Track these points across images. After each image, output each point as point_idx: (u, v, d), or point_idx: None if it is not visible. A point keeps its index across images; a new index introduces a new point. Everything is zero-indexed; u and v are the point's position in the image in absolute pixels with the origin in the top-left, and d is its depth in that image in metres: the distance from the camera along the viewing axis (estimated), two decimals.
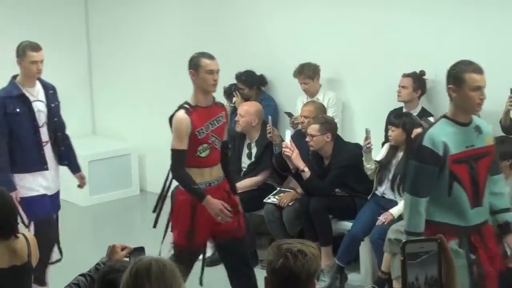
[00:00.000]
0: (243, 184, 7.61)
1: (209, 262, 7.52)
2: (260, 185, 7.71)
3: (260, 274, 3.47)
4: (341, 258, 6.85)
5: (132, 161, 10.33)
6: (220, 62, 9.00)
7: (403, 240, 1.49)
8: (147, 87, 10.15)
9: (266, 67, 8.70)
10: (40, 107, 6.49)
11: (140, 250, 3.91)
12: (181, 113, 5.62)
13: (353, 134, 7.76)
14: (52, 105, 6.59)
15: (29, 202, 6.44)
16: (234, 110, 8.18)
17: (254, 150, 7.76)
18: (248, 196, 7.50)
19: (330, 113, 7.64)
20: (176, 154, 5.63)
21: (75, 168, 7.02)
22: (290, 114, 7.99)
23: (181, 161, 5.62)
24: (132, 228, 9.29)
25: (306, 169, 6.91)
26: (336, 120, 7.34)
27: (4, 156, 6.35)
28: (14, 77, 6.50)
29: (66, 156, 6.84)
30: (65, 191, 9.40)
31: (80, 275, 4.03)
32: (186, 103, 5.70)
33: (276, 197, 7.48)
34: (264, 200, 7.48)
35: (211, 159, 5.73)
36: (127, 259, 3.85)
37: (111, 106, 10.79)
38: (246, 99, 8.36)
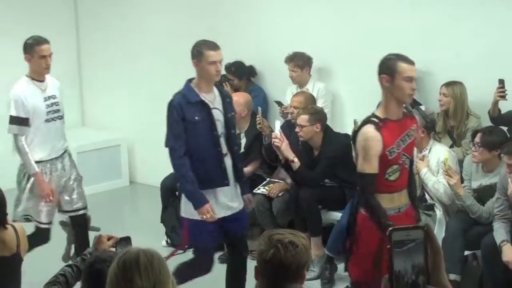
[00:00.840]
0: None
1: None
2: (249, 176, 7.70)
3: (251, 264, 3.48)
4: (330, 248, 6.86)
5: (121, 152, 10.32)
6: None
7: (389, 228, 1.48)
8: (136, 78, 10.13)
9: (256, 58, 8.69)
10: (218, 116, 5.74)
11: (127, 240, 3.90)
12: (371, 130, 4.70)
13: (343, 125, 7.77)
14: (229, 115, 5.84)
15: (197, 226, 5.71)
16: None
17: (243, 141, 7.75)
18: None
19: (319, 103, 7.65)
20: (366, 179, 4.74)
21: (245, 188, 6.09)
22: (280, 103, 8.00)
23: (371, 187, 4.73)
24: (122, 219, 9.28)
25: (296, 160, 6.91)
26: (325, 111, 7.35)
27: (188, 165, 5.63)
28: (190, 80, 5.77)
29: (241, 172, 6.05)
30: None
31: (67, 265, 4.03)
32: (374, 115, 4.82)
33: (265, 187, 7.48)
34: (254, 191, 7.46)
35: (401, 182, 4.88)
36: (113, 249, 3.84)
37: (100, 97, 10.77)
38: (235, 89, 8.35)
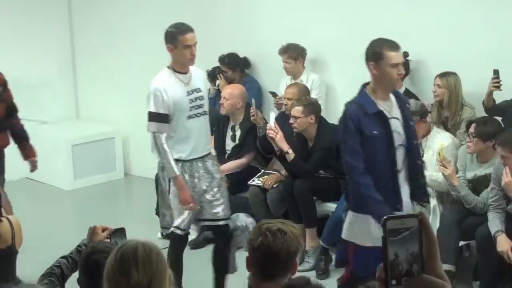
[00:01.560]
0: (228, 166, 7.61)
1: (193, 245, 7.57)
2: (244, 167, 7.72)
3: (244, 257, 3.48)
4: (325, 239, 6.87)
5: (116, 145, 10.30)
6: (204, 45, 9.00)
7: (384, 217, 1.48)
8: (130, 70, 10.10)
9: (250, 49, 8.68)
10: (396, 127, 5.06)
11: (121, 231, 3.91)
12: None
13: (337, 116, 7.70)
14: (411, 123, 5.20)
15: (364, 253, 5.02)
16: (218, 93, 8.17)
17: (238, 133, 7.76)
18: (233, 179, 7.52)
19: (313, 95, 7.65)
20: None
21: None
22: (274, 94, 8.00)
23: None
24: (117, 212, 9.27)
25: (290, 151, 6.91)
26: (320, 102, 7.35)
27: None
28: (365, 85, 5.15)
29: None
30: (48, 174, 9.43)
31: (62, 257, 4.04)
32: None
33: (260, 179, 7.48)
34: (249, 183, 7.48)
35: None
36: (108, 240, 3.85)
37: (95, 90, 10.73)
38: (229, 81, 8.34)
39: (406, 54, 7.20)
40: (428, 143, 6.50)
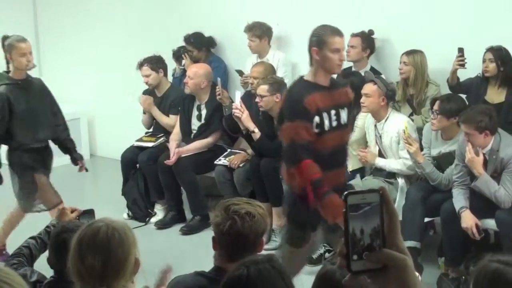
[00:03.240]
0: (194, 146, 7.60)
1: (160, 225, 7.58)
2: (210, 147, 7.70)
3: (209, 235, 3.48)
4: None
5: (81, 125, 10.21)
6: (169, 25, 8.97)
7: (345, 192, 1.48)
8: (95, 50, 10.03)
9: (216, 28, 8.64)
10: None
11: (90, 212, 3.91)
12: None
13: None
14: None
15: None
16: (184, 72, 8.13)
17: (204, 112, 7.73)
18: (199, 158, 7.52)
19: (280, 73, 7.64)
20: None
21: None
22: (240, 72, 7.98)
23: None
24: (83, 193, 9.22)
25: (256, 130, 6.91)
26: (286, 81, 7.33)
27: None
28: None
29: None
30: None
31: (30, 237, 4.02)
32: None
33: (226, 158, 7.48)
34: (215, 162, 7.48)
35: None
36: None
37: (59, 70, 10.63)
38: (195, 61, 8.31)
39: (371, 32, 7.24)
40: (385, 127, 6.50)
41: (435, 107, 6.12)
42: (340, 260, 1.48)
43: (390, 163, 6.47)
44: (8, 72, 6.52)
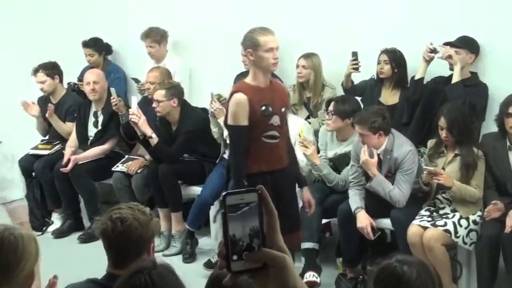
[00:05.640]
0: (91, 153, 7.50)
1: (57, 234, 7.46)
2: (108, 153, 7.60)
3: None
4: (191, 223, 6.85)
5: None
6: (65, 32, 8.78)
7: (223, 193, 1.47)
8: None
9: (112, 35, 8.53)
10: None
11: None
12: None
13: (200, 99, 7.74)
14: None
15: None
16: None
17: (100, 119, 7.63)
18: (96, 165, 7.43)
19: (177, 78, 7.61)
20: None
21: None
22: (137, 80, 7.91)
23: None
24: None
25: (154, 135, 6.85)
26: (183, 86, 7.30)
27: None
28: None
29: None
30: None
31: None
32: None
33: (124, 165, 7.40)
34: (112, 169, 7.39)
35: None
36: None
37: None
38: (95, 66, 8.19)
39: None
40: None
41: (330, 108, 6.19)
42: (220, 261, 1.47)
43: None
44: None
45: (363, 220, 5.79)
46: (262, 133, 5.10)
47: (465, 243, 5.55)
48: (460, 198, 5.63)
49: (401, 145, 5.84)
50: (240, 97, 5.01)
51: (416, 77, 6.34)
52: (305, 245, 6.04)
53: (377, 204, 5.87)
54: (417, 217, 5.73)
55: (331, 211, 6.17)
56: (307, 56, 6.92)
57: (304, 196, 5.58)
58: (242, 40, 5.16)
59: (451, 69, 6.19)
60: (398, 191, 5.77)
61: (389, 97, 6.59)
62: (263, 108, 5.04)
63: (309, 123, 6.79)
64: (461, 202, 5.65)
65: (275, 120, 5.12)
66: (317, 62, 6.91)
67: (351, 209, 5.90)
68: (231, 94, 5.11)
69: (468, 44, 6.19)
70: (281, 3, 7.45)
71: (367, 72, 6.66)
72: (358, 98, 6.63)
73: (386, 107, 6.25)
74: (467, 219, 5.62)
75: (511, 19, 6.27)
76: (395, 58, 6.50)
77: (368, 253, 6.09)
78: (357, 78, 6.76)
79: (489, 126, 6.06)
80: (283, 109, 5.20)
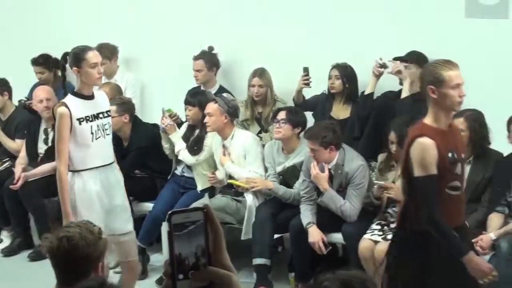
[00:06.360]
0: (41, 170, 7.39)
1: (7, 253, 7.36)
2: (54, 173, 7.50)
3: None
4: (143, 239, 6.77)
5: None
6: (15, 48, 8.67)
7: (169, 212, 1.47)
8: None
9: (62, 51, 8.42)
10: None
11: None
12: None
13: (152, 115, 7.70)
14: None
15: None
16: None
17: (50, 135, 7.53)
18: (46, 182, 7.31)
19: (128, 94, 7.58)
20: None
21: None
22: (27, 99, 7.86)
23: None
24: None
25: None
26: (134, 101, 7.27)
27: None
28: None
29: None
30: None
31: None
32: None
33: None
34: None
35: None
36: None
37: None
38: (46, 83, 8.08)
39: (211, 48, 7.31)
40: (232, 144, 6.52)
41: (281, 116, 6.19)
42: (165, 281, 1.47)
43: (240, 172, 6.46)
44: None
45: (315, 235, 5.81)
46: (446, 183, 4.41)
47: None
48: None
49: (352, 160, 5.88)
50: (427, 142, 4.32)
51: (366, 92, 6.40)
52: (257, 261, 6.03)
53: (328, 219, 5.90)
54: (368, 231, 5.77)
55: (284, 226, 6.18)
56: (260, 74, 6.90)
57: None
58: (421, 73, 4.70)
59: (401, 83, 6.26)
60: (349, 206, 5.81)
61: (340, 111, 6.64)
62: (450, 154, 4.40)
63: (261, 138, 6.80)
64: None
65: (458, 168, 4.47)
66: (269, 77, 6.93)
67: (302, 224, 5.91)
68: (412, 139, 4.41)
69: (417, 59, 6.24)
70: (231, 19, 7.47)
71: (318, 87, 6.70)
72: (310, 113, 6.67)
73: (337, 122, 6.30)
74: None
75: (457, 33, 6.37)
76: (346, 73, 6.54)
77: (320, 267, 6.10)
78: (308, 93, 6.79)
79: None
80: (462, 155, 4.59)
